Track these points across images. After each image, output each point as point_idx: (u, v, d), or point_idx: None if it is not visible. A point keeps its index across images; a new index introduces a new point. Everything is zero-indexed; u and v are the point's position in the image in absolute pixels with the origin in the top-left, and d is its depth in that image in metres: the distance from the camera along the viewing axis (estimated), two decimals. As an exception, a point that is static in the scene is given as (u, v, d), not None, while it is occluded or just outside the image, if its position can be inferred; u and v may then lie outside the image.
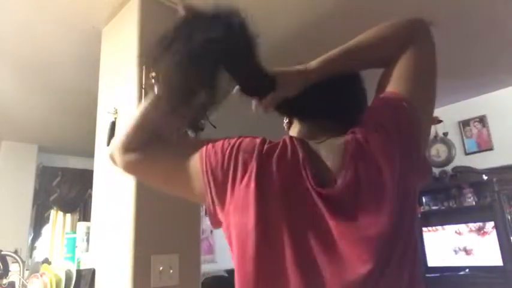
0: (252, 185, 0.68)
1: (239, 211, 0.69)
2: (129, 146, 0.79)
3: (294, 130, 0.85)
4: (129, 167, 0.81)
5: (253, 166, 0.69)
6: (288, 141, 0.74)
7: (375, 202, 0.66)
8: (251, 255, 0.66)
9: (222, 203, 0.72)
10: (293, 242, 0.65)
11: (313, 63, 0.79)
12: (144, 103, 0.79)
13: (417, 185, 0.74)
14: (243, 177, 0.70)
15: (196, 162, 0.75)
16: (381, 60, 0.80)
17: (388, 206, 0.65)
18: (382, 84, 0.79)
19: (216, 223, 0.75)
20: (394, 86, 0.76)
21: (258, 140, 0.74)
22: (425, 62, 0.78)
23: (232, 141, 0.75)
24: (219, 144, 0.76)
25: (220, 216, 0.73)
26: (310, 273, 0.64)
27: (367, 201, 0.67)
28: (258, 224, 0.66)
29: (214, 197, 0.73)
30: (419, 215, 3.93)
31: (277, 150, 0.71)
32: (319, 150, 0.74)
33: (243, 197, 0.69)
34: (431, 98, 0.79)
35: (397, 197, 0.66)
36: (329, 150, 0.73)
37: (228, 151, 0.73)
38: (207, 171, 0.73)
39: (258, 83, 0.77)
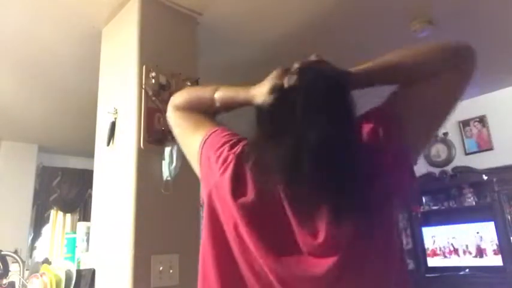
0: (227, 177, 0.75)
1: (217, 198, 0.76)
2: (179, 105, 0.97)
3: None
4: (171, 115, 0.99)
5: (232, 162, 0.76)
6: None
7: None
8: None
9: (206, 184, 0.81)
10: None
11: (360, 70, 0.78)
12: (204, 88, 0.96)
13: (396, 194, 0.74)
14: (220, 168, 0.77)
15: (197, 143, 0.87)
16: (417, 78, 0.77)
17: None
18: (400, 98, 0.78)
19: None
20: (391, 103, 0.78)
21: (244, 143, 0.81)
22: (453, 94, 0.78)
23: (230, 138, 0.83)
24: (219, 136, 0.85)
25: (203, 190, 0.82)
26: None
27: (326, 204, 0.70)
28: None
29: (203, 177, 0.83)
30: (419, 215, 3.93)
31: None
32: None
33: (219, 186, 0.76)
34: (436, 127, 0.81)
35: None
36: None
37: (219, 145, 0.82)
38: (201, 155, 0.85)
39: None
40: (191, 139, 0.90)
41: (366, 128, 0.75)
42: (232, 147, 0.80)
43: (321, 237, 0.67)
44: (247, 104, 0.85)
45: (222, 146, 0.81)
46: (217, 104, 0.90)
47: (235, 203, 0.72)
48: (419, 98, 0.76)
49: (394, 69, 0.78)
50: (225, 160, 0.78)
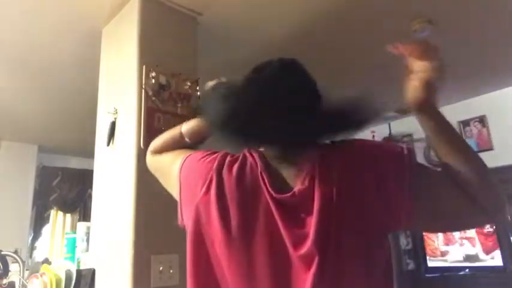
0: (212, 195, 0.75)
1: (202, 219, 0.77)
2: (155, 151, 1.02)
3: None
4: (149, 163, 1.05)
5: (212, 177, 0.77)
6: (247, 154, 0.79)
7: (323, 215, 0.69)
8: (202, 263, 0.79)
9: (186, 207, 0.82)
10: (244, 251, 0.71)
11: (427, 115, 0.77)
12: (174, 130, 1.01)
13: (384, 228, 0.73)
14: (203, 187, 0.77)
15: (176, 169, 0.87)
16: (449, 160, 0.76)
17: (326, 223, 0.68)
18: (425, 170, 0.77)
19: (182, 226, 0.86)
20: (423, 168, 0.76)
21: (219, 154, 0.82)
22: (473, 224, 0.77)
23: (205, 154, 0.85)
24: (194, 156, 0.86)
25: (185, 218, 0.83)
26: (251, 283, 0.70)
27: (316, 212, 0.69)
28: (221, 233, 0.74)
29: (182, 202, 0.83)
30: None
31: (237, 163, 0.78)
32: (279, 167, 0.77)
33: (205, 205, 0.76)
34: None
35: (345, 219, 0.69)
36: (288, 170, 0.76)
37: (198, 163, 0.83)
38: (180, 179, 0.85)
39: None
40: (170, 172, 0.90)
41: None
42: (209, 163, 0.81)
43: (306, 245, 0.68)
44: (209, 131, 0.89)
45: (199, 165, 0.82)
46: (186, 138, 0.95)
47: (221, 223, 0.73)
48: (443, 185, 0.74)
49: (452, 137, 0.78)
50: (205, 179, 0.78)
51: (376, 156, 0.74)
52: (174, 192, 0.88)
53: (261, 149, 0.82)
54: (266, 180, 0.74)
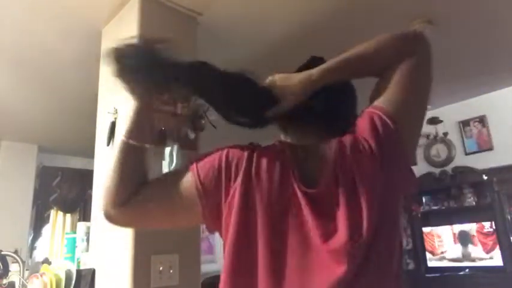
0: (237, 197, 0.72)
1: (230, 222, 0.73)
2: (119, 201, 0.75)
3: (286, 134, 0.88)
4: (126, 221, 0.82)
5: (241, 178, 0.73)
6: (278, 147, 0.79)
7: (351, 207, 0.70)
8: (230, 258, 0.72)
9: (216, 217, 0.75)
10: (269, 246, 0.70)
11: (315, 72, 0.80)
12: (116, 153, 0.79)
13: (401, 194, 0.78)
14: (231, 188, 0.74)
15: (190, 183, 0.76)
16: (377, 70, 0.83)
17: (365, 212, 0.69)
18: (373, 96, 0.82)
19: (211, 231, 0.79)
20: (382, 101, 0.80)
21: (245, 152, 0.77)
22: (417, 76, 0.81)
23: (219, 154, 0.78)
24: (207, 160, 0.78)
25: (216, 225, 0.77)
26: (279, 277, 0.69)
27: (344, 205, 0.70)
28: (239, 234, 0.71)
29: (207, 213, 0.75)
30: (419, 215, 3.93)
31: (268, 157, 0.75)
32: (307, 154, 0.78)
33: (230, 207, 0.73)
34: (420, 113, 0.83)
35: (375, 206, 0.70)
36: (316, 155, 0.77)
37: (217, 165, 0.76)
38: (201, 188, 0.75)
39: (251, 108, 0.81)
40: (175, 195, 0.77)
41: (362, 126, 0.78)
42: (230, 154, 0.77)
43: (340, 236, 0.68)
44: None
45: (220, 161, 0.77)
46: (131, 141, 0.79)
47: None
48: (390, 80, 0.80)
49: (350, 64, 0.82)
50: (236, 165, 0.75)
51: (368, 129, 0.77)
52: (194, 209, 0.76)
53: (288, 140, 0.85)
54: (296, 174, 0.74)
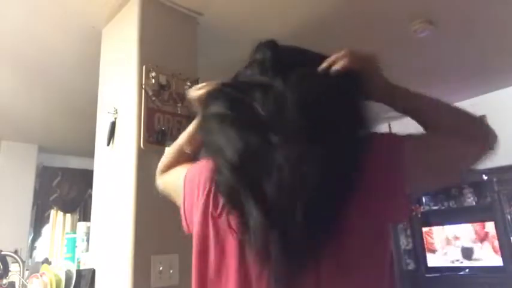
0: (210, 203, 0.73)
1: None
2: (164, 168, 1.00)
3: None
4: (159, 184, 1.03)
5: (211, 188, 0.75)
6: None
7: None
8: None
9: (189, 216, 0.82)
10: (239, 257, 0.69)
11: (403, 93, 0.76)
12: (173, 147, 0.99)
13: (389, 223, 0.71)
14: (199, 195, 0.77)
15: (181, 178, 0.87)
16: (443, 127, 0.76)
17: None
18: (412, 138, 0.75)
19: (188, 229, 0.85)
20: (410, 137, 0.73)
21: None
22: (463, 163, 0.78)
23: (204, 162, 0.81)
24: (195, 165, 0.86)
25: (190, 226, 0.83)
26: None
27: None
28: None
29: (186, 210, 0.83)
30: (419, 215, 3.93)
31: None
32: None
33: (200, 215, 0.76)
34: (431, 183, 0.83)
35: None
36: None
37: (198, 171, 0.82)
38: (184, 188, 0.85)
39: None
40: (176, 186, 0.89)
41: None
42: (207, 172, 0.77)
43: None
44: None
45: (198, 174, 0.81)
46: (188, 150, 0.93)
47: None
48: (435, 147, 0.74)
49: (426, 103, 0.76)
50: (204, 187, 0.77)
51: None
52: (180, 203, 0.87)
53: None
54: None
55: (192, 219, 0.80)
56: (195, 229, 0.76)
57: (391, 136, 0.74)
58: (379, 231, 0.68)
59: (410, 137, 0.73)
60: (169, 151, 1.00)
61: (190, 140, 0.92)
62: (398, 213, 0.72)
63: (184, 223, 0.85)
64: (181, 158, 0.95)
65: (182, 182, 0.86)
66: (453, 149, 0.75)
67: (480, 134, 0.79)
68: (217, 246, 0.71)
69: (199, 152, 0.94)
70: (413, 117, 0.77)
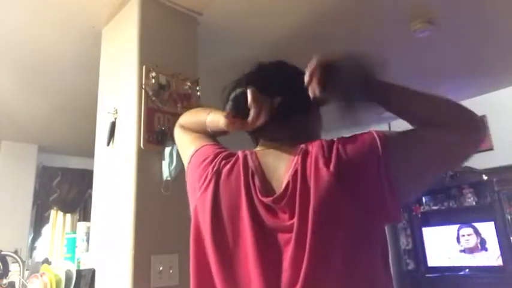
0: (209, 195, 0.77)
1: (200, 213, 0.79)
2: (183, 125, 1.02)
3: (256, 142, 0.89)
4: (176, 132, 1.05)
5: (212, 178, 0.79)
6: (240, 156, 0.80)
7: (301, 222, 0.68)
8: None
9: (190, 193, 0.86)
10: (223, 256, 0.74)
11: (387, 82, 0.75)
12: (198, 113, 0.98)
13: (374, 223, 0.71)
14: (201, 189, 0.80)
15: (189, 155, 0.91)
16: (425, 119, 0.76)
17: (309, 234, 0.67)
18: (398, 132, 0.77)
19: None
20: (392, 133, 0.75)
21: (223, 154, 0.83)
22: (452, 150, 0.76)
23: (209, 153, 0.85)
24: (205, 151, 0.87)
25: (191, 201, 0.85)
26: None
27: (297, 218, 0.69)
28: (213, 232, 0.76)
29: (188, 185, 0.88)
30: (419, 215, 3.93)
31: (229, 165, 0.79)
32: (269, 159, 0.79)
33: (202, 204, 0.79)
34: (424, 176, 0.77)
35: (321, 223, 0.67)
36: (280, 160, 0.78)
37: (201, 161, 0.84)
38: (188, 168, 0.90)
39: None
40: (185, 152, 0.94)
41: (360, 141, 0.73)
42: (212, 162, 0.82)
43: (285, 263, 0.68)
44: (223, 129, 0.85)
45: (203, 162, 0.84)
46: (208, 129, 0.92)
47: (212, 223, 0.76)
48: (425, 142, 0.74)
49: (415, 97, 0.76)
50: (205, 178, 0.80)
51: (351, 147, 0.73)
52: (185, 166, 0.93)
53: (258, 148, 0.84)
54: (252, 183, 0.75)
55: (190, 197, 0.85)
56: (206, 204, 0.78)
57: (372, 137, 0.73)
58: (370, 231, 0.70)
59: (396, 134, 0.75)
60: (194, 113, 1.02)
61: (215, 127, 0.89)
62: (388, 216, 0.72)
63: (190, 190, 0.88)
64: (200, 130, 0.96)
65: (190, 155, 0.90)
66: (441, 140, 0.74)
67: (464, 120, 0.77)
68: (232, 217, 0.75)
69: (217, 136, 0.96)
70: (391, 110, 0.77)
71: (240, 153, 0.81)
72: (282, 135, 0.82)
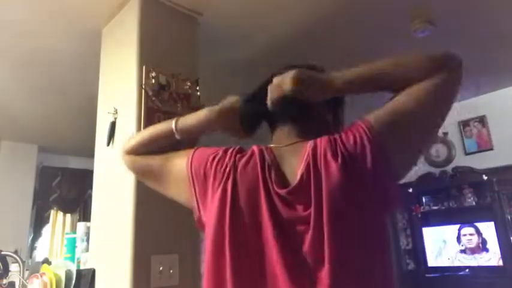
0: (229, 192, 0.77)
1: (214, 214, 0.78)
2: (132, 151, 0.96)
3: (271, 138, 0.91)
4: (128, 164, 0.98)
5: (229, 175, 0.79)
6: (256, 150, 0.81)
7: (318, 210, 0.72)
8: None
9: (204, 203, 0.83)
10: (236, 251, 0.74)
11: (337, 81, 0.80)
12: (160, 125, 0.95)
13: (380, 212, 0.76)
14: (220, 184, 0.79)
15: (183, 163, 0.87)
16: (401, 84, 0.78)
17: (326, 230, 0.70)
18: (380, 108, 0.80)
19: (201, 225, 0.85)
20: (376, 114, 0.78)
21: (234, 149, 0.84)
22: (442, 91, 0.77)
23: (215, 150, 0.85)
24: (205, 150, 0.87)
25: (203, 215, 0.84)
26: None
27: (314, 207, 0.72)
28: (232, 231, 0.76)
29: (198, 196, 0.84)
30: (419, 215, 3.93)
31: (244, 159, 0.80)
32: (283, 154, 0.81)
33: (218, 203, 0.78)
34: (427, 129, 0.81)
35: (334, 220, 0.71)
36: (292, 155, 0.80)
37: (211, 158, 0.83)
38: (191, 172, 0.85)
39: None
40: (171, 172, 0.90)
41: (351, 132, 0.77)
42: (225, 159, 0.82)
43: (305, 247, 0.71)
44: (209, 126, 0.88)
45: (213, 159, 0.83)
46: (178, 136, 0.90)
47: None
48: (406, 103, 0.77)
49: (374, 77, 0.80)
50: (224, 171, 0.80)
51: (348, 137, 0.77)
52: (182, 191, 0.87)
53: (271, 145, 0.86)
54: (268, 176, 0.77)
55: (205, 205, 0.83)
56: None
57: (359, 127, 0.77)
58: (373, 221, 0.74)
59: (380, 112, 0.78)
60: (149, 132, 0.96)
61: (192, 129, 0.90)
62: (387, 202, 0.77)
63: (197, 211, 0.86)
64: (158, 144, 0.92)
65: (186, 166, 0.86)
66: (420, 95, 0.76)
67: (431, 65, 0.77)
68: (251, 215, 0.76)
69: (194, 142, 0.95)
70: (367, 91, 0.82)
71: (255, 148, 0.83)
72: (294, 132, 0.85)
